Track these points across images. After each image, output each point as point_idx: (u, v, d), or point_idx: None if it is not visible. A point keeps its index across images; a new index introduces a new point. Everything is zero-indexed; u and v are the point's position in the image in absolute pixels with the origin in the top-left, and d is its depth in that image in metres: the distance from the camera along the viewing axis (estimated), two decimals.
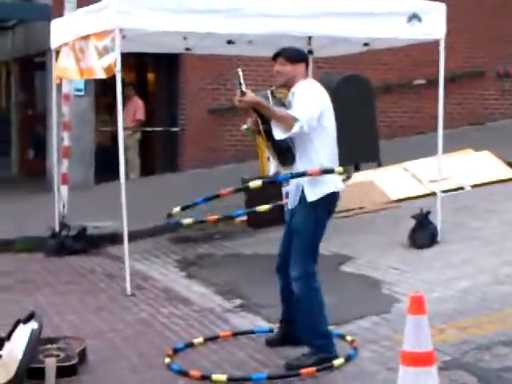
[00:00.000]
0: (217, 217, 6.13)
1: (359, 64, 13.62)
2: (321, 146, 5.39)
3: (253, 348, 5.84)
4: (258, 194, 9.84)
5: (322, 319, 5.40)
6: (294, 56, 5.56)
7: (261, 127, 5.48)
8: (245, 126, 5.82)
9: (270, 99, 5.50)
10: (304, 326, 5.44)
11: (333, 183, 5.42)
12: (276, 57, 5.56)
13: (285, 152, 5.47)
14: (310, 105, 5.30)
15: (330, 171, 5.31)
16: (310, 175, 5.27)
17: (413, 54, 14.14)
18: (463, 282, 6.98)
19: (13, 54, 17.42)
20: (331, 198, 5.45)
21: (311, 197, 5.36)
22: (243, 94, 5.31)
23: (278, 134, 5.32)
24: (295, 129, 5.23)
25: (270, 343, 5.83)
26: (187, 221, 5.70)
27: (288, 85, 5.52)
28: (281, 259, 5.66)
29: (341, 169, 5.35)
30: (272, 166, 9.84)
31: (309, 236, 5.40)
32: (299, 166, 5.42)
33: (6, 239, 9.98)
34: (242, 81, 5.33)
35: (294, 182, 5.51)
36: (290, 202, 5.58)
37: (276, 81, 5.61)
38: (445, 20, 8.45)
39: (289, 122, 5.25)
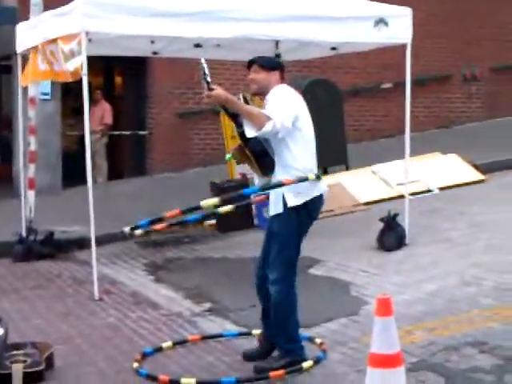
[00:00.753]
0: (165, 224, 5.88)
1: (327, 68, 13.69)
2: (298, 151, 5.29)
3: (222, 351, 5.82)
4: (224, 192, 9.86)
5: (292, 323, 5.35)
6: (268, 63, 5.48)
7: (235, 131, 5.42)
8: (228, 156, 5.69)
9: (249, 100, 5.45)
10: (275, 328, 5.40)
11: (315, 187, 5.33)
12: (250, 64, 5.48)
13: (263, 158, 5.35)
14: (283, 107, 5.21)
15: (304, 180, 5.22)
16: (285, 185, 5.19)
17: (380, 58, 14.22)
18: (431, 284, 7.02)
19: None
20: (314, 203, 5.36)
21: (292, 202, 5.26)
22: (211, 89, 5.16)
23: (250, 132, 5.19)
24: (268, 127, 5.10)
25: (248, 357, 5.60)
26: (138, 232, 5.66)
27: (262, 93, 5.44)
28: (259, 279, 5.49)
29: (313, 176, 5.27)
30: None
31: (289, 241, 5.31)
32: (278, 172, 5.32)
33: None
34: (206, 71, 5.15)
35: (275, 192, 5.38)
36: (270, 209, 5.49)
37: (250, 89, 5.55)
38: (411, 24, 8.52)
39: (261, 119, 5.11)
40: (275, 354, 5.44)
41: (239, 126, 5.30)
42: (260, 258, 5.54)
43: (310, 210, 5.36)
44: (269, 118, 5.12)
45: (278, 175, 5.31)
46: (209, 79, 5.17)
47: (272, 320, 5.42)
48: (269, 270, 5.35)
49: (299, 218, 5.31)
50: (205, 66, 5.20)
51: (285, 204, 5.28)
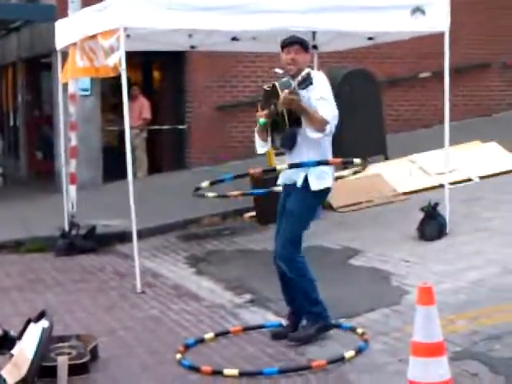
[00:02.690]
0: (238, 192, 6.91)
1: (364, 58, 13.62)
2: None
3: (263, 342, 5.85)
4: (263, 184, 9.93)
5: (312, 288, 5.62)
6: (307, 44, 5.69)
7: (281, 109, 5.52)
8: (262, 121, 5.77)
9: (296, 86, 5.55)
10: (298, 297, 5.68)
11: (332, 178, 5.66)
12: (290, 44, 5.57)
13: (288, 136, 5.59)
14: (333, 103, 5.50)
15: (349, 162, 5.71)
16: (332, 164, 5.52)
17: (418, 47, 14.11)
18: (473, 272, 6.98)
19: (19, 55, 17.47)
20: (328, 192, 5.71)
21: (315, 186, 5.52)
22: (294, 93, 5.39)
23: (312, 134, 5.47)
24: (327, 131, 5.43)
25: (276, 336, 5.87)
26: (211, 194, 6.23)
27: (295, 73, 5.59)
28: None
29: (359, 160, 5.64)
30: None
31: (302, 220, 5.61)
32: (299, 153, 5.56)
33: (17, 240, 10.03)
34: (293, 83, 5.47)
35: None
36: (287, 178, 5.68)
37: (288, 69, 5.65)
38: (448, 12, 8.44)
39: (321, 124, 5.41)
40: (304, 323, 5.68)
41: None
42: (277, 234, 5.81)
43: (323, 196, 5.74)
44: (327, 122, 5.42)
45: (303, 156, 5.52)
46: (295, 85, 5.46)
47: (294, 293, 5.72)
48: (279, 246, 5.66)
49: (315, 201, 5.65)
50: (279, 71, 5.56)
51: (306, 184, 5.53)
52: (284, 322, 5.98)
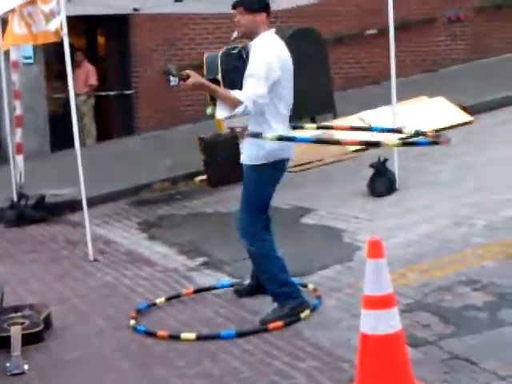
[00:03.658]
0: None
1: (310, 17, 13.58)
2: (272, 111, 5.31)
3: (217, 304, 5.87)
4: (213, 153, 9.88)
5: (278, 268, 5.41)
6: (253, 4, 5.34)
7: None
8: (209, 110, 5.74)
9: (219, 60, 5.43)
10: (264, 278, 5.50)
11: (287, 150, 5.39)
12: (235, 6, 5.38)
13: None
14: (258, 82, 5.15)
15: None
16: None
17: (362, 4, 14.12)
18: (423, 226, 7.06)
19: None
20: (281, 164, 5.43)
21: (257, 160, 5.34)
22: (184, 79, 5.18)
23: (221, 113, 5.30)
24: (238, 110, 5.16)
25: (239, 293, 5.90)
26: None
27: (249, 35, 5.38)
28: None
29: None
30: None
31: (255, 194, 5.43)
32: (250, 123, 5.38)
33: None
34: (171, 78, 5.21)
35: (246, 144, 5.46)
36: (242, 157, 5.55)
37: (237, 32, 5.48)
38: None
39: (234, 103, 5.17)
40: (274, 305, 5.45)
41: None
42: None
43: (276, 168, 5.42)
44: (240, 102, 5.13)
45: (251, 126, 5.35)
46: (173, 77, 5.19)
47: (258, 272, 5.57)
48: (237, 224, 5.50)
49: (265, 173, 5.36)
50: (173, 70, 5.24)
51: (252, 157, 5.37)
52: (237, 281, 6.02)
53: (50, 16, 7.61)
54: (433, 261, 6.10)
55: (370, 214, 7.80)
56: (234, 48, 5.53)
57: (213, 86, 5.27)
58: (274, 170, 5.40)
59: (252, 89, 5.15)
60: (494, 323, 4.76)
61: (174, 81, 5.20)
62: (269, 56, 5.24)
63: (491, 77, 13.71)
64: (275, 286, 5.42)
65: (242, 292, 5.93)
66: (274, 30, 5.45)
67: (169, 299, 6.05)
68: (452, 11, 16.40)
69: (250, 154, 5.39)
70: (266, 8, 5.41)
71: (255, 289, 5.83)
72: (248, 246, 5.47)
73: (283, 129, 5.31)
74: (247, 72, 5.23)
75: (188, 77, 5.18)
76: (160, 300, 6.02)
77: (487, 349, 4.45)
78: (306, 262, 6.42)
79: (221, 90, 5.30)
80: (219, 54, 5.49)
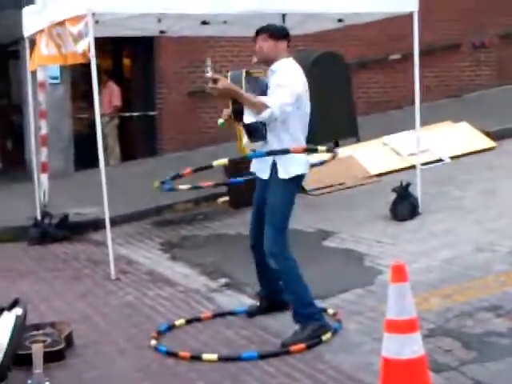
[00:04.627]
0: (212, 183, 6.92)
1: (334, 41, 13.62)
2: (293, 127, 5.47)
3: (238, 325, 5.87)
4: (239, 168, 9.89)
5: (304, 288, 5.45)
6: (277, 32, 5.57)
7: (231, 107, 5.54)
8: (220, 121, 5.88)
9: (243, 79, 5.51)
10: (290, 297, 5.55)
11: (304, 165, 5.53)
12: (259, 33, 5.56)
13: (253, 130, 5.54)
14: (285, 91, 5.32)
15: (313, 150, 5.53)
16: (293, 153, 5.33)
17: (387, 29, 14.14)
18: (445, 251, 7.05)
19: None
20: (301, 179, 5.60)
21: (283, 175, 5.44)
22: (215, 81, 5.30)
23: (248, 118, 5.40)
24: (264, 114, 5.26)
25: (250, 314, 5.97)
26: (183, 186, 6.01)
27: (269, 62, 5.54)
28: (253, 233, 5.83)
29: (323, 148, 5.60)
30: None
31: (282, 212, 5.48)
32: (269, 142, 5.49)
33: None
34: (208, 69, 5.33)
35: (267, 160, 5.54)
36: (259, 171, 5.64)
37: (255, 57, 5.63)
38: None
39: (259, 108, 5.27)
40: (296, 328, 5.45)
41: (236, 102, 5.46)
42: (253, 222, 5.83)
43: (297, 184, 5.59)
44: (266, 106, 5.25)
45: (271, 145, 5.46)
46: (209, 74, 5.32)
47: (285, 291, 5.60)
48: (265, 243, 5.50)
49: (289, 190, 5.49)
50: (209, 64, 5.33)
51: (276, 174, 5.45)
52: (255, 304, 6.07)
53: (77, 37, 7.69)
54: (455, 286, 6.08)
55: (392, 239, 7.78)
56: (256, 70, 5.64)
57: (240, 90, 5.37)
58: (297, 186, 5.61)
59: (280, 96, 5.29)
60: None
61: (208, 72, 5.30)
62: (297, 73, 5.49)
63: None
64: (299, 305, 5.44)
65: (255, 312, 5.98)
66: (291, 57, 5.60)
67: (188, 322, 6.04)
68: (477, 37, 16.40)
69: (281, 168, 5.44)
70: (287, 36, 5.64)
71: (268, 306, 5.92)
72: (276, 265, 5.46)
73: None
74: (276, 82, 5.38)
75: (217, 80, 5.30)
76: (180, 322, 6.02)
77: (510, 375, 4.42)
78: (327, 285, 6.42)
79: (248, 94, 5.38)
80: (242, 71, 5.57)
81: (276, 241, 5.45)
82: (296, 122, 5.48)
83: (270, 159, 5.48)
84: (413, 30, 8.45)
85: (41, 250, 9.24)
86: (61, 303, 6.93)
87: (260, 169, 5.64)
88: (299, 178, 5.56)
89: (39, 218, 9.70)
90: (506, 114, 12.57)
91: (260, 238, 5.59)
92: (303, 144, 5.52)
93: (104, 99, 14.09)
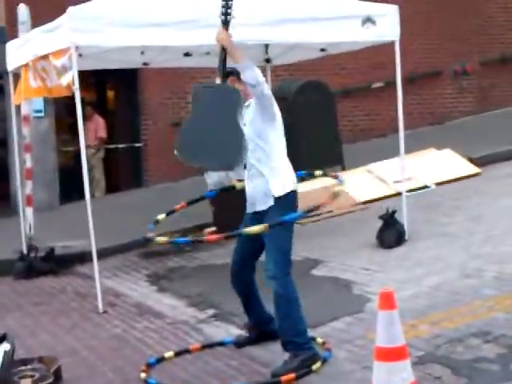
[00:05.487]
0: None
1: (317, 70, 13.71)
2: (277, 143, 5.51)
3: (226, 355, 5.85)
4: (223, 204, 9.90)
5: (301, 317, 5.43)
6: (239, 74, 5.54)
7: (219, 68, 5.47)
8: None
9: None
10: (283, 325, 5.43)
11: (293, 182, 5.54)
12: (226, 76, 5.50)
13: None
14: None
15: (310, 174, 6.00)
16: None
17: (370, 58, 14.26)
18: (433, 278, 7.06)
19: None
20: (295, 195, 5.56)
21: (278, 192, 5.43)
22: (227, 28, 5.36)
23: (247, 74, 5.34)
24: (260, 75, 5.30)
25: (239, 344, 5.95)
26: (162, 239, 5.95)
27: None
28: (237, 267, 5.88)
29: (319, 173, 5.98)
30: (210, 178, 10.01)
31: (286, 235, 5.45)
32: (262, 166, 5.49)
33: None
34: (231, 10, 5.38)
35: (259, 187, 5.53)
36: (255, 204, 5.61)
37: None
38: (398, 22, 8.54)
39: (254, 69, 5.31)
40: (287, 356, 5.42)
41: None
42: (237, 255, 5.88)
43: (293, 201, 5.54)
44: (253, 65, 5.34)
45: (263, 168, 5.48)
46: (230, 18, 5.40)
47: (276, 316, 5.51)
48: (269, 268, 5.44)
49: (288, 212, 5.37)
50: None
51: (273, 198, 5.45)
52: (245, 331, 6.06)
53: (61, 71, 7.71)
54: (443, 312, 6.09)
55: (380, 266, 7.79)
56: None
57: (239, 49, 5.40)
58: (294, 201, 5.53)
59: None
60: (506, 375, 4.73)
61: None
62: None
63: (499, 128, 13.78)
64: (293, 333, 5.39)
65: (244, 342, 5.96)
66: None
67: (177, 354, 6.00)
68: (458, 64, 16.54)
69: (272, 187, 5.45)
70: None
71: (257, 336, 5.91)
72: (277, 288, 5.37)
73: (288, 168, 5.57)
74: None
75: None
76: (169, 354, 5.98)
77: None
78: (317, 314, 6.39)
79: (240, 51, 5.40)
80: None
81: (282, 264, 5.41)
82: (277, 141, 5.52)
83: (264, 189, 5.47)
84: (395, 59, 8.52)
85: (27, 284, 9.18)
86: (48, 337, 6.88)
87: (259, 202, 5.57)
88: (293, 195, 5.51)
89: (25, 251, 9.65)
90: (489, 141, 12.67)
91: (244, 266, 5.71)
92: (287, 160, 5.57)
93: (89, 131, 14.11)
